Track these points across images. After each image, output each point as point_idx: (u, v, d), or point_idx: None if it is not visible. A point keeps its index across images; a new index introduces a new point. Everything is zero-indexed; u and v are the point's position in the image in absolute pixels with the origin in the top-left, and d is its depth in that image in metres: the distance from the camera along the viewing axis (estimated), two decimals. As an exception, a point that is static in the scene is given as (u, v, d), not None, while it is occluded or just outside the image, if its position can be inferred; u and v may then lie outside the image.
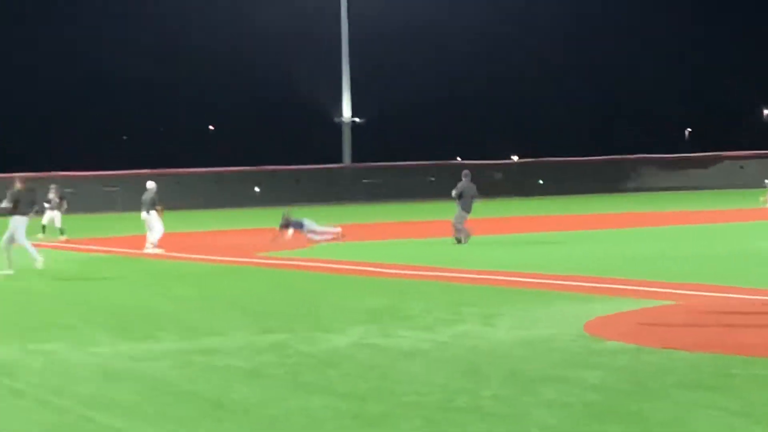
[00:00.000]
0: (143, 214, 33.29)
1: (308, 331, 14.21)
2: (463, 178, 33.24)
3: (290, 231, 33.45)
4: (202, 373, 11.32)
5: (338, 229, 34.69)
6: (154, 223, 33.10)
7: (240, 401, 9.84)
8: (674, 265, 22.59)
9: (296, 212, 36.12)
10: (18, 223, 26.24)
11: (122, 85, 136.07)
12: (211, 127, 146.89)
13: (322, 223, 35.31)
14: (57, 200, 43.47)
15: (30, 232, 27.43)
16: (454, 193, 33.06)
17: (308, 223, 34.05)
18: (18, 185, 27.07)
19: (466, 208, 32.57)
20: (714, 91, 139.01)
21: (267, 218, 53.24)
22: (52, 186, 44.97)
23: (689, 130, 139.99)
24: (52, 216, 43.11)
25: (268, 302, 17.94)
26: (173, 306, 18.01)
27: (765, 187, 51.90)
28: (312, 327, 14.55)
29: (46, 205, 43.29)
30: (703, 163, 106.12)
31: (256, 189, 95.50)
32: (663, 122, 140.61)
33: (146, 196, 33.50)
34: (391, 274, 22.67)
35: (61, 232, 42.55)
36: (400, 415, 9.07)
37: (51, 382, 11.17)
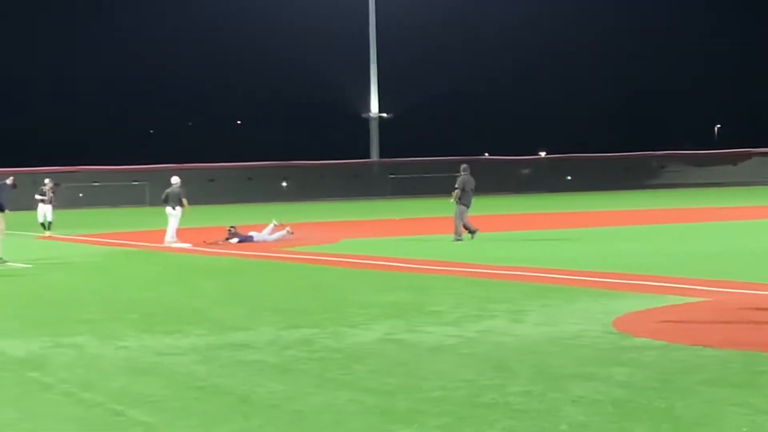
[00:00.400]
0: (168, 208, 33.48)
1: (335, 326, 14.21)
2: (462, 172, 33.03)
3: (235, 240, 32.95)
4: (229, 368, 11.33)
5: (285, 231, 34.00)
6: (175, 218, 33.33)
7: (267, 396, 9.85)
8: (702, 262, 22.49)
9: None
10: None
11: (150, 79, 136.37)
12: (238, 122, 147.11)
13: (274, 224, 34.47)
14: (51, 194, 43.44)
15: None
16: (457, 186, 32.56)
17: (257, 235, 33.46)
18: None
19: (467, 203, 32.30)
20: (744, 88, 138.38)
21: (294, 213, 53.36)
22: (47, 180, 44.87)
23: (719, 126, 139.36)
24: (44, 210, 43.05)
25: (294, 297, 17.95)
26: (200, 301, 18.04)
27: None
28: (338, 322, 14.55)
29: (38, 197, 43.22)
30: (732, 160, 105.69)
31: (284, 184, 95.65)
32: (692, 118, 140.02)
33: (171, 191, 33.70)
34: (418, 269, 22.65)
35: (48, 226, 42.41)
36: (427, 411, 9.06)
37: (79, 376, 11.20)
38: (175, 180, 34.51)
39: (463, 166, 33.63)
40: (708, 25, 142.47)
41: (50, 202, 43.38)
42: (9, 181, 33.87)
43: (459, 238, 31.51)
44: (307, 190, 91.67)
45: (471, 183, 32.83)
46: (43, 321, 15.72)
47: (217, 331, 14.07)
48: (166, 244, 32.95)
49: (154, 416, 9.22)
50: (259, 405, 9.52)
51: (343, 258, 26.38)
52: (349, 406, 9.33)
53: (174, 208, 33.53)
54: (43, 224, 43.04)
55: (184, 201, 33.80)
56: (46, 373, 11.40)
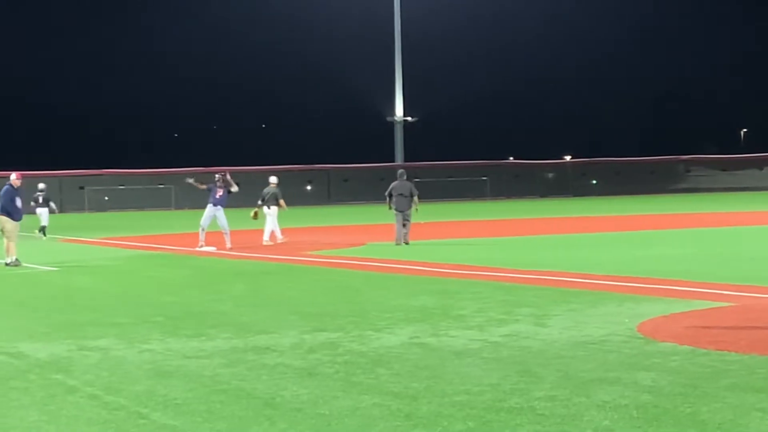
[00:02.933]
0: (265, 208, 33.97)
1: (359, 329, 14.21)
2: (398, 178, 33.48)
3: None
4: (254, 372, 11.34)
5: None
6: (271, 218, 33.84)
7: (292, 400, 9.84)
8: (728, 267, 22.40)
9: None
10: None
11: (176, 83, 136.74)
12: (263, 126, 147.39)
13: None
14: (46, 198, 43.71)
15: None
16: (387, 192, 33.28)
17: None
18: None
19: (399, 207, 32.69)
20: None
21: (319, 216, 53.37)
22: (41, 184, 45.01)
23: (745, 130, 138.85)
24: (41, 213, 43.34)
25: (319, 301, 17.95)
26: (225, 304, 18.06)
27: None
28: (363, 326, 14.54)
29: (33, 204, 43.37)
30: (758, 164, 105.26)
31: (308, 187, 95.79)
32: (718, 122, 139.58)
33: (268, 191, 34.28)
34: (443, 273, 22.63)
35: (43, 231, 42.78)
36: (452, 415, 9.04)
37: (104, 378, 11.23)
38: (273, 180, 35.26)
39: (399, 171, 34.35)
40: (735, 29, 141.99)
41: (45, 205, 43.66)
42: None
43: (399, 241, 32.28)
44: (332, 193, 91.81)
45: (402, 188, 33.15)
46: (68, 324, 15.76)
47: (241, 334, 14.08)
48: (264, 243, 34.03)
49: (179, 419, 9.23)
50: (283, 408, 9.51)
51: (368, 261, 26.38)
52: (374, 410, 9.32)
53: (269, 208, 34.18)
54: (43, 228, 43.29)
55: (281, 202, 34.39)
56: (70, 376, 11.43)
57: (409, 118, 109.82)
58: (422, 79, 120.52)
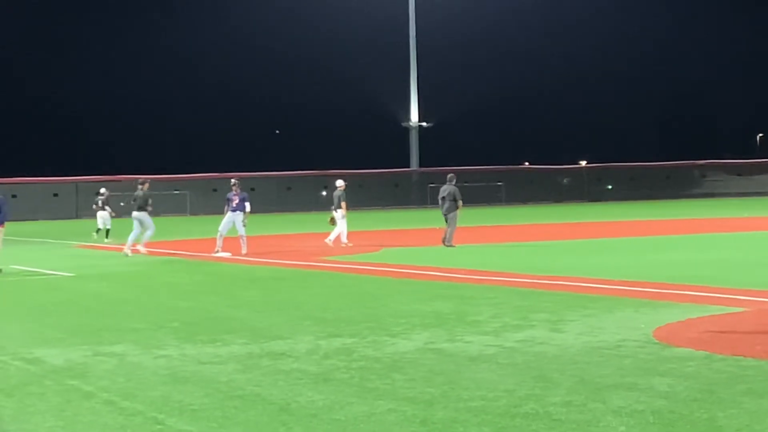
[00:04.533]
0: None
1: (375, 335, 14.21)
2: (447, 182, 34.45)
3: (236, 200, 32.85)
4: (269, 377, 11.35)
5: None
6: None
7: (307, 405, 9.85)
8: (744, 272, 22.35)
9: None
10: None
11: (190, 89, 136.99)
12: (277, 131, 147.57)
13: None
14: (105, 201, 44.71)
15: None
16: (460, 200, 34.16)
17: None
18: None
19: (443, 210, 34.08)
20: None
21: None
22: (102, 189, 46.16)
23: (761, 135, 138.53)
24: (101, 217, 44.36)
25: (335, 306, 17.95)
26: (240, 310, 18.08)
27: None
28: (378, 331, 14.55)
29: (94, 207, 44.66)
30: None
31: (323, 193, 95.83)
32: (734, 127, 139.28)
33: (337, 194, 34.54)
34: (458, 278, 22.62)
35: (107, 234, 43.69)
36: (467, 421, 9.04)
37: (120, 384, 11.25)
38: (339, 183, 35.50)
39: (450, 175, 34.95)
40: (751, 33, 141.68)
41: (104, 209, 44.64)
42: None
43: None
44: (347, 199, 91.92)
45: (443, 192, 34.33)
46: (83, 329, 15.80)
47: (257, 340, 14.09)
48: (342, 245, 34.54)
49: (194, 425, 9.25)
50: (298, 414, 9.52)
51: (384, 267, 26.38)
52: (389, 416, 9.32)
53: (336, 211, 34.48)
54: (102, 231, 44.19)
55: (343, 204, 34.64)
56: (86, 382, 11.45)
57: (424, 124, 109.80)
58: (437, 84, 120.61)
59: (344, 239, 35.20)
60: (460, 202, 33.80)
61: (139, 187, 34.70)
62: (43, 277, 26.63)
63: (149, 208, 34.16)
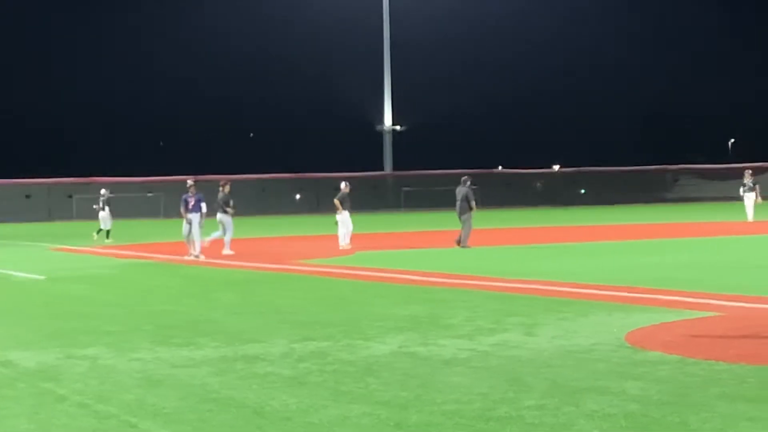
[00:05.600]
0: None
1: (349, 338, 14.22)
2: (461, 184, 35.12)
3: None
4: (243, 381, 11.34)
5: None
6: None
7: (281, 409, 9.85)
8: (717, 276, 22.45)
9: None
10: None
11: (164, 91, 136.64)
12: (251, 134, 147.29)
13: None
14: (106, 202, 45.28)
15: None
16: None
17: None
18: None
19: (457, 212, 34.73)
20: (759, 101, 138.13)
21: (308, 225, 53.37)
22: (103, 189, 46.79)
23: (732, 140, 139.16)
24: (102, 218, 44.92)
25: (308, 310, 17.95)
26: (215, 313, 18.06)
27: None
28: (353, 335, 14.55)
29: (95, 207, 45.15)
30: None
31: (297, 196, 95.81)
32: (707, 132, 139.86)
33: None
34: (432, 282, 22.64)
35: (103, 234, 44.03)
36: (441, 425, 9.05)
37: (93, 387, 11.22)
38: (343, 185, 35.71)
39: (464, 178, 35.54)
40: (723, 39, 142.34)
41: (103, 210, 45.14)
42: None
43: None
44: (321, 202, 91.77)
45: (457, 194, 34.95)
46: (57, 332, 15.75)
47: (231, 343, 14.08)
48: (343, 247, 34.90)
49: (168, 428, 9.23)
50: (272, 417, 9.52)
51: (358, 270, 26.39)
52: (363, 419, 9.33)
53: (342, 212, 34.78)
54: (102, 231, 44.61)
55: (336, 202, 35.45)
56: (60, 385, 11.42)
57: (398, 127, 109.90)
58: (411, 88, 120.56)
59: (344, 241, 35.39)
60: (473, 203, 34.31)
61: (220, 188, 34.99)
62: (16, 280, 26.52)
63: (230, 210, 34.27)
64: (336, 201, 35.72)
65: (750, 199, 49.90)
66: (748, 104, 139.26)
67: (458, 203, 34.58)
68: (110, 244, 42.40)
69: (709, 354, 12.24)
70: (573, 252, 32.15)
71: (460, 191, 34.69)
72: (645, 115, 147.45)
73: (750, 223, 47.00)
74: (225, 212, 34.26)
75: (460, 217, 34.44)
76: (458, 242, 33.89)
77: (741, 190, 51.20)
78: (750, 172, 52.37)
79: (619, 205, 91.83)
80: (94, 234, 45.44)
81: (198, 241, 32.01)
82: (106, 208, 45.31)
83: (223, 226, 34.25)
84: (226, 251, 33.54)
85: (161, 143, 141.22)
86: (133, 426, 9.37)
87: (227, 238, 34.24)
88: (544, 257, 30.09)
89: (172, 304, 19.77)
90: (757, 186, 51.07)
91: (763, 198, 52.00)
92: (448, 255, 32.31)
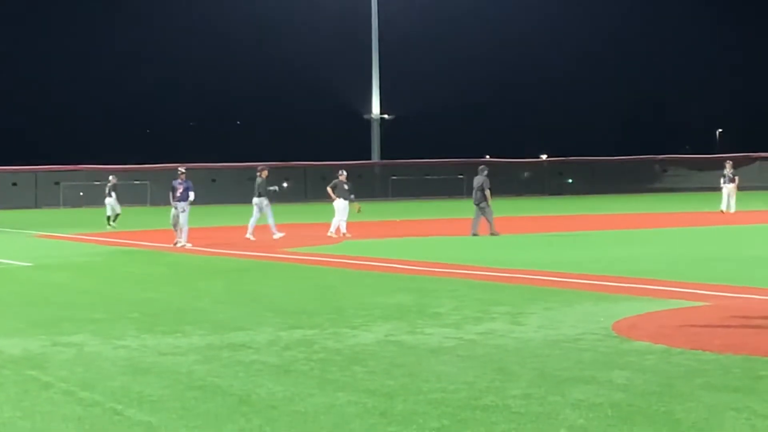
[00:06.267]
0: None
1: (335, 327, 14.21)
2: (479, 173, 35.77)
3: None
4: (229, 369, 11.33)
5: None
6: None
7: (267, 397, 9.84)
8: (703, 266, 22.49)
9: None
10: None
11: (151, 79, 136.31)
12: (238, 122, 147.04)
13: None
14: (111, 188, 45.92)
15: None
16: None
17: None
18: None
19: (473, 200, 35.38)
20: (746, 92, 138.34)
21: (295, 214, 53.35)
22: (111, 176, 47.48)
23: (720, 130, 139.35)
24: (108, 204, 45.49)
25: (295, 298, 17.95)
26: (201, 301, 18.04)
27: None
28: (339, 323, 14.55)
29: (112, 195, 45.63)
30: (734, 164, 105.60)
31: (285, 184, 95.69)
32: (694, 122, 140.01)
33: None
34: (419, 271, 22.65)
35: (115, 219, 44.64)
36: (427, 413, 9.05)
37: (79, 375, 11.20)
38: (340, 174, 35.99)
39: (480, 167, 36.26)
40: (710, 28, 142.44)
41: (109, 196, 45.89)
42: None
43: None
44: (309, 190, 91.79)
45: (474, 182, 35.66)
46: (42, 320, 15.71)
47: (217, 331, 14.07)
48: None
49: (154, 416, 9.22)
50: (258, 405, 9.51)
51: (345, 259, 26.38)
52: (349, 407, 9.32)
53: (341, 199, 34.98)
54: (109, 217, 45.32)
55: (328, 189, 36.11)
56: (45, 372, 11.40)
57: (386, 116, 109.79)
58: (399, 77, 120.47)
59: (332, 229, 35.58)
60: (488, 192, 34.78)
61: (258, 174, 35.55)
62: (1, 267, 26.46)
63: (273, 189, 34.88)
64: (328, 189, 36.17)
65: (729, 189, 49.60)
66: (737, 94, 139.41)
67: (475, 192, 35.18)
68: (112, 230, 42.86)
69: (695, 344, 12.26)
70: (559, 242, 32.17)
71: (477, 180, 35.28)
72: (633, 105, 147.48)
73: (728, 213, 46.75)
74: (264, 197, 34.70)
75: (477, 205, 34.96)
76: (474, 234, 34.31)
77: (721, 180, 50.90)
78: (731, 162, 52.04)
79: (606, 195, 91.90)
80: (108, 225, 45.45)
81: (186, 229, 31.91)
82: (113, 194, 45.75)
83: (260, 210, 34.61)
84: (277, 235, 34.08)
85: (147, 131, 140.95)
86: (118, 413, 9.36)
87: (270, 221, 34.69)
88: (531, 246, 30.12)
89: (159, 292, 19.74)
90: (737, 177, 50.76)
91: (741, 189, 51.83)
92: (432, 244, 32.33)
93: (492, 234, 34.05)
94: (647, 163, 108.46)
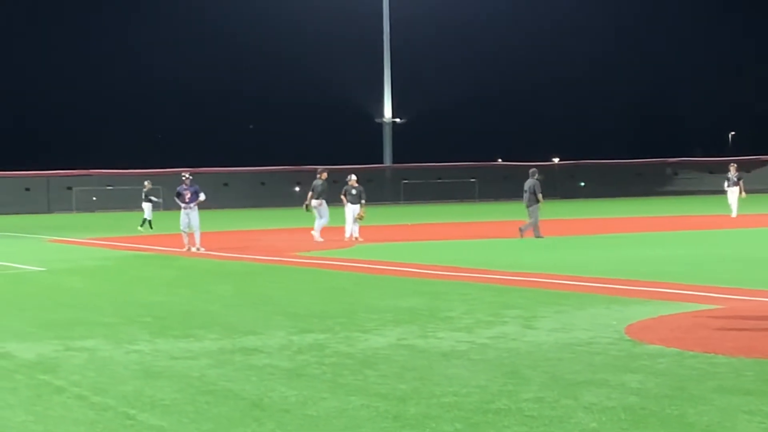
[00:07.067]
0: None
1: (347, 331, 14.20)
2: (530, 176, 36.12)
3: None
4: (242, 373, 11.33)
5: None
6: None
7: (279, 401, 9.84)
8: (716, 269, 22.44)
9: None
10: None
11: (164, 83, 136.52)
12: (251, 126, 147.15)
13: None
14: (147, 193, 46.42)
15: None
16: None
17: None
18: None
19: (525, 203, 35.71)
20: (758, 94, 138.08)
21: (307, 218, 53.35)
22: (146, 182, 47.93)
23: (732, 133, 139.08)
24: (145, 208, 46.03)
25: (307, 302, 17.94)
26: (213, 305, 18.05)
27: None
28: (351, 327, 14.54)
29: (153, 199, 46.17)
30: (746, 167, 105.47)
31: (296, 188, 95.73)
32: (706, 125, 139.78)
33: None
34: (431, 275, 22.62)
35: (149, 224, 44.99)
36: (439, 417, 9.04)
37: (91, 379, 11.21)
38: (352, 178, 36.15)
39: (531, 170, 36.86)
40: (722, 30, 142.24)
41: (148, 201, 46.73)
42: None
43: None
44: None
45: (525, 186, 35.95)
46: (55, 324, 15.74)
47: (229, 335, 14.07)
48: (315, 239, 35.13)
49: (166, 420, 9.22)
50: (271, 409, 9.51)
51: (357, 263, 26.38)
52: (361, 411, 9.32)
53: (318, 199, 35.15)
54: (147, 222, 46.40)
55: (343, 198, 36.41)
56: (57, 376, 11.41)
57: (397, 120, 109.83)
58: (411, 80, 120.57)
59: (356, 233, 36.00)
60: (540, 195, 35.11)
61: (318, 176, 36.25)
62: (14, 272, 26.51)
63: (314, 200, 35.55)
64: (341, 196, 36.51)
65: (734, 193, 49.08)
66: (749, 96, 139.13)
67: (526, 194, 35.43)
68: (141, 233, 43.35)
69: (707, 347, 12.24)
70: (571, 244, 32.14)
71: (528, 183, 35.58)
72: (644, 107, 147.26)
73: (733, 218, 46.44)
74: (321, 199, 35.40)
75: (527, 208, 35.26)
76: (521, 231, 34.83)
77: (725, 184, 50.46)
78: (735, 165, 51.52)
79: (618, 198, 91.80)
80: (140, 227, 46.81)
81: (198, 233, 31.94)
82: (152, 198, 46.39)
83: (319, 212, 34.82)
84: (317, 238, 34.72)
85: (159, 136, 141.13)
86: (130, 417, 9.36)
87: (322, 223, 35.34)
88: (543, 249, 30.08)
89: (171, 296, 19.76)
90: (741, 181, 50.32)
91: (753, 192, 51.47)
92: (445, 247, 32.31)
93: (536, 236, 34.39)
94: (659, 166, 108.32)
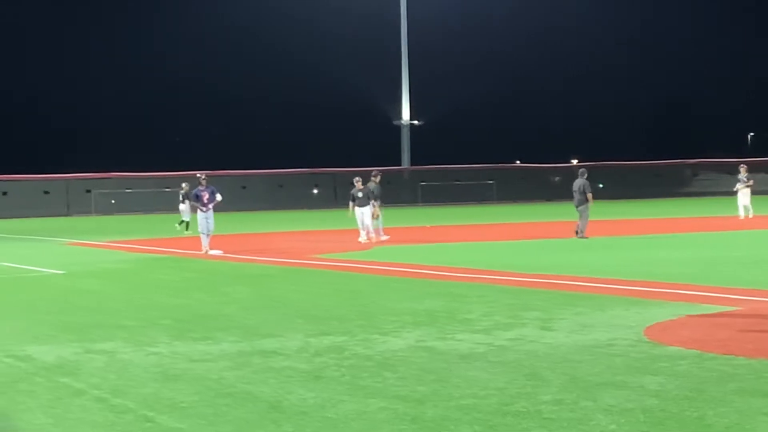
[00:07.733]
0: (355, 209, 35.95)
1: (365, 333, 14.21)
2: (579, 176, 36.56)
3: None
4: (260, 375, 11.34)
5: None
6: (365, 218, 35.73)
7: (298, 403, 9.85)
8: (735, 271, 22.36)
9: None
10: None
11: (182, 86, 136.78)
12: (267, 128, 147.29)
13: None
14: (185, 195, 46.99)
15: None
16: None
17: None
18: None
19: (575, 203, 36.04)
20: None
21: (325, 220, 53.39)
22: (183, 183, 49.11)
23: (752, 134, 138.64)
24: (182, 210, 46.56)
25: (325, 304, 17.94)
26: (231, 307, 18.07)
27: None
28: (369, 329, 14.54)
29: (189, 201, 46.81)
30: (766, 167, 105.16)
31: (314, 191, 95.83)
32: (725, 126, 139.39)
33: (370, 187, 35.62)
34: (449, 276, 22.61)
35: (187, 226, 45.47)
36: (458, 419, 9.04)
37: (110, 381, 11.24)
38: (356, 180, 36.63)
39: (581, 170, 37.37)
40: (740, 31, 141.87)
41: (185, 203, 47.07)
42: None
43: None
44: (339, 196, 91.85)
45: (574, 186, 36.37)
46: (74, 327, 15.78)
47: (247, 337, 14.09)
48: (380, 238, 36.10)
49: (185, 422, 9.24)
50: (289, 412, 9.52)
51: (375, 265, 26.37)
52: (380, 414, 9.32)
53: (359, 206, 36.02)
54: (184, 223, 46.85)
55: (375, 197, 36.50)
56: (77, 379, 11.44)
57: (415, 122, 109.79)
58: (429, 82, 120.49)
59: (373, 235, 36.37)
60: (590, 195, 35.50)
61: (372, 179, 36.89)
62: (34, 275, 26.59)
63: (375, 203, 36.02)
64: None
65: (745, 194, 48.80)
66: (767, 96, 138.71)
67: (576, 195, 35.70)
68: (188, 235, 43.71)
69: (727, 349, 12.20)
70: (589, 246, 32.07)
71: (577, 183, 35.93)
72: (664, 108, 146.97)
73: (743, 219, 46.14)
74: (377, 199, 36.05)
75: (577, 208, 35.56)
76: (577, 232, 35.10)
77: (736, 186, 50.18)
78: (745, 167, 51.28)
79: (637, 199, 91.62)
80: (177, 225, 47.76)
81: (210, 235, 32.05)
82: (186, 201, 46.74)
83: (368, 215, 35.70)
84: (373, 236, 35.64)
85: (177, 139, 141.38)
86: (149, 420, 9.38)
87: (378, 223, 36.12)
88: (561, 251, 30.03)
89: (188, 299, 19.79)
90: (752, 182, 50.08)
91: (763, 194, 51.25)
92: (463, 249, 32.28)
93: (579, 236, 34.69)
94: (678, 167, 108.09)
